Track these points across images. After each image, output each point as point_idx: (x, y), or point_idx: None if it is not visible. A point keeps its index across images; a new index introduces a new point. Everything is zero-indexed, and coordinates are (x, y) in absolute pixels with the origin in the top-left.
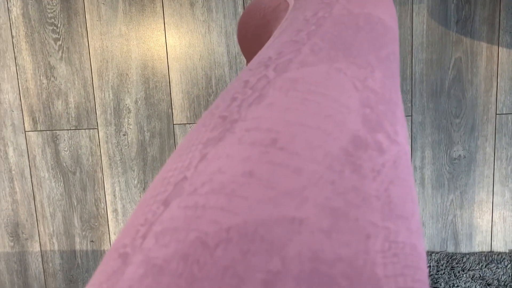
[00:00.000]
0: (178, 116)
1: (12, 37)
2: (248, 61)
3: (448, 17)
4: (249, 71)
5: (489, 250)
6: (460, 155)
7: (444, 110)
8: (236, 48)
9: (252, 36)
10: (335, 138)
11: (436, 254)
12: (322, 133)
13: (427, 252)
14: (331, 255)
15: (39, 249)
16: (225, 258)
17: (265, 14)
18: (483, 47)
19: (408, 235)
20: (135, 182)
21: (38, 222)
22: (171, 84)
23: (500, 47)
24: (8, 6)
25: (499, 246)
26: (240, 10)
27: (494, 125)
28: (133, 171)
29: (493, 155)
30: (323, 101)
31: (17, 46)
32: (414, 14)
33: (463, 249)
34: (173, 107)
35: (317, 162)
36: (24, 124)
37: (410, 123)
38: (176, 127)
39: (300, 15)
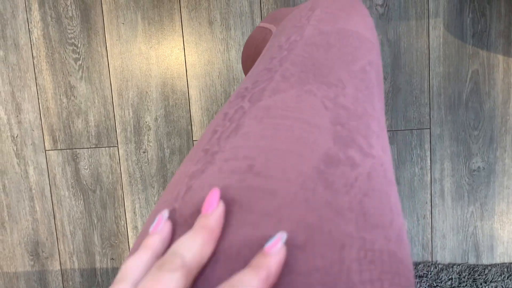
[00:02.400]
0: (198, 133)
1: (33, 57)
2: None
3: (464, 31)
4: (229, 103)
5: (511, 261)
6: (479, 167)
7: (462, 122)
8: None
9: (251, 67)
10: (307, 158)
11: (458, 266)
12: (294, 155)
13: (449, 264)
14: (307, 267)
15: (59, 267)
16: (213, 278)
17: (256, 46)
18: (499, 60)
19: (385, 243)
20: (155, 199)
21: (58, 241)
22: (190, 101)
23: None
24: (29, 27)
25: None
26: None
27: None
28: (153, 188)
29: None
30: (294, 124)
31: (38, 67)
32: (430, 28)
33: (485, 260)
34: (192, 124)
35: (291, 182)
36: (44, 143)
37: (428, 136)
38: (196, 143)
39: (276, 41)
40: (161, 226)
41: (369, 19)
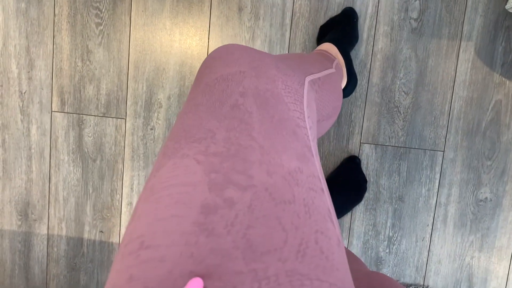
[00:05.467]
0: None
1: (54, 15)
2: None
3: (495, 59)
4: None
5: None
6: (486, 198)
7: (477, 151)
8: None
9: None
10: (186, 216)
11: None
12: (175, 219)
13: None
14: None
15: (47, 232)
16: None
17: None
18: None
19: (281, 265)
20: None
21: (50, 205)
22: None
23: None
24: None
25: None
26: (288, 22)
27: None
28: None
29: None
30: (172, 191)
31: (58, 25)
32: (461, 50)
33: None
34: None
35: (175, 244)
36: (51, 103)
37: (441, 158)
38: None
39: None
40: None
41: (239, 52)
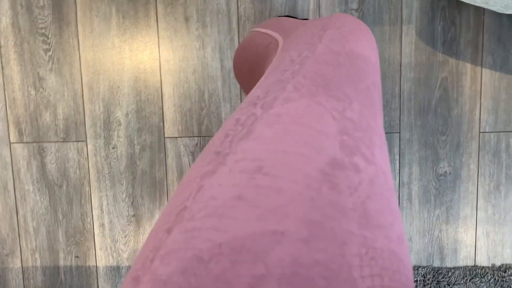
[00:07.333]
0: (170, 130)
1: (0, 46)
2: (246, 92)
3: (435, 38)
4: (240, 109)
5: (473, 264)
6: (446, 172)
7: (431, 128)
8: (229, 63)
9: (247, 71)
10: (314, 161)
11: (423, 269)
12: (301, 157)
13: (414, 266)
14: (309, 260)
15: (20, 265)
16: (217, 268)
17: (257, 51)
18: (467, 68)
19: (386, 242)
20: (123, 196)
21: (20, 237)
22: (163, 97)
23: (483, 68)
24: None
25: (482, 260)
26: (235, 26)
27: (478, 142)
28: (122, 184)
29: (477, 171)
30: (303, 131)
31: (5, 56)
32: (403, 34)
33: (449, 263)
34: (164, 120)
35: (296, 182)
36: (9, 135)
37: (398, 140)
38: (167, 140)
39: (287, 55)
40: None
41: (373, 41)
